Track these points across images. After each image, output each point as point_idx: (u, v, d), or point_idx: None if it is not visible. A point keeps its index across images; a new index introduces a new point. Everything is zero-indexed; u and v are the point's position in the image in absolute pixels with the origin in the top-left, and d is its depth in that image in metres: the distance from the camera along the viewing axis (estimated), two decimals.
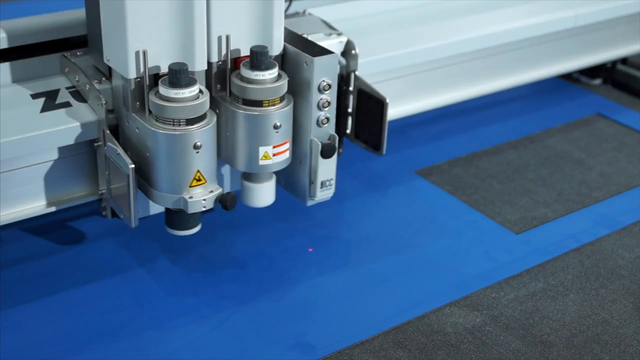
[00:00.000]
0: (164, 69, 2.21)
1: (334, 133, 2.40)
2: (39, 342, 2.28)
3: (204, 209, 2.27)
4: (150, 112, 2.21)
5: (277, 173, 2.47)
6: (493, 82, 3.37)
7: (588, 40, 3.61)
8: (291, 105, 2.32)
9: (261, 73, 2.23)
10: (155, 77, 2.21)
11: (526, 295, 2.52)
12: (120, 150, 2.23)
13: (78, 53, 2.47)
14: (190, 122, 2.17)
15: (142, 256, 2.62)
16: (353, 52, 2.67)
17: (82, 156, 2.44)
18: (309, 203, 2.47)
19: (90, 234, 2.69)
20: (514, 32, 3.21)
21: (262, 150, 2.30)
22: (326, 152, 2.37)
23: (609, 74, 3.94)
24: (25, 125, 2.28)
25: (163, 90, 2.15)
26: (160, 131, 2.16)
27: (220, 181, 2.55)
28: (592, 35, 3.60)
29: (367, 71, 2.75)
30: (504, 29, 3.17)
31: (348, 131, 2.79)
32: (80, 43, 2.51)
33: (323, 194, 2.46)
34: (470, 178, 3.11)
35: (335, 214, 2.86)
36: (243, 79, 2.25)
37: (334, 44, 2.65)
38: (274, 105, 2.27)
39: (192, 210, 2.25)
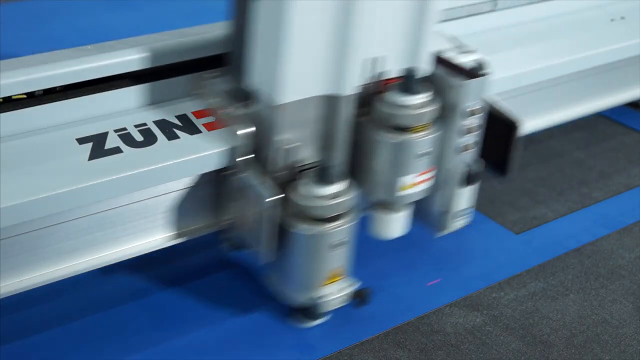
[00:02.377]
0: (316, 93, 2.12)
1: (475, 160, 2.32)
2: (39, 341, 2.28)
3: (337, 307, 2.26)
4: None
5: None
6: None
7: None
8: (440, 131, 2.22)
9: (412, 97, 2.13)
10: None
11: (526, 295, 2.52)
12: (260, 180, 2.11)
13: (211, 75, 2.30)
14: (334, 219, 2.11)
15: (140, 257, 2.62)
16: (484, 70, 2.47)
17: (206, 186, 2.28)
18: (440, 234, 2.37)
19: None
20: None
21: (404, 179, 2.19)
22: (471, 179, 2.30)
23: None
24: (157, 156, 2.11)
25: None
26: None
27: None
28: None
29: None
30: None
31: None
32: (203, 65, 2.32)
33: (457, 224, 2.36)
34: None
35: None
36: (390, 103, 2.15)
37: (468, 62, 2.47)
38: (422, 131, 2.16)
39: (325, 309, 2.24)
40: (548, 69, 2.88)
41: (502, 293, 2.53)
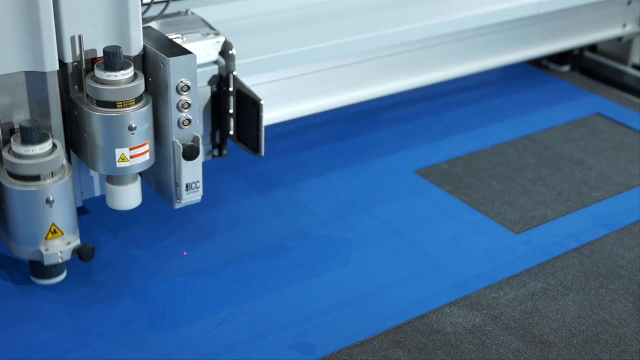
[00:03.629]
0: (19, 69, 2.23)
1: (197, 135, 2.37)
2: (39, 342, 2.28)
3: (60, 262, 2.35)
4: None
5: (147, 175, 2.52)
6: (457, 67, 3.44)
7: (556, 27, 3.66)
8: (149, 106, 2.31)
9: (114, 74, 2.24)
10: None
11: (526, 295, 2.52)
12: None
13: None
14: (44, 177, 2.25)
15: (140, 255, 2.62)
16: (231, 52, 2.63)
17: None
18: (177, 206, 2.45)
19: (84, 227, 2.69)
20: (476, 19, 3.27)
21: (118, 152, 2.30)
22: (188, 155, 2.35)
23: (577, 61, 4.01)
24: None
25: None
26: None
27: (90, 185, 2.58)
28: (560, 22, 3.65)
29: (245, 72, 2.69)
30: (450, 19, 3.20)
31: (231, 133, 2.74)
32: None
33: (190, 197, 2.43)
34: (470, 178, 3.11)
35: (338, 215, 2.86)
36: (97, 80, 2.26)
37: (211, 44, 2.63)
38: (129, 106, 2.27)
39: (48, 262, 2.33)
40: None
41: (502, 293, 2.53)
